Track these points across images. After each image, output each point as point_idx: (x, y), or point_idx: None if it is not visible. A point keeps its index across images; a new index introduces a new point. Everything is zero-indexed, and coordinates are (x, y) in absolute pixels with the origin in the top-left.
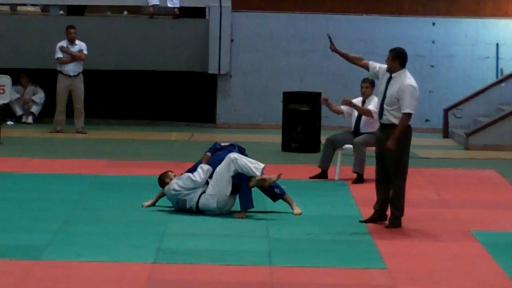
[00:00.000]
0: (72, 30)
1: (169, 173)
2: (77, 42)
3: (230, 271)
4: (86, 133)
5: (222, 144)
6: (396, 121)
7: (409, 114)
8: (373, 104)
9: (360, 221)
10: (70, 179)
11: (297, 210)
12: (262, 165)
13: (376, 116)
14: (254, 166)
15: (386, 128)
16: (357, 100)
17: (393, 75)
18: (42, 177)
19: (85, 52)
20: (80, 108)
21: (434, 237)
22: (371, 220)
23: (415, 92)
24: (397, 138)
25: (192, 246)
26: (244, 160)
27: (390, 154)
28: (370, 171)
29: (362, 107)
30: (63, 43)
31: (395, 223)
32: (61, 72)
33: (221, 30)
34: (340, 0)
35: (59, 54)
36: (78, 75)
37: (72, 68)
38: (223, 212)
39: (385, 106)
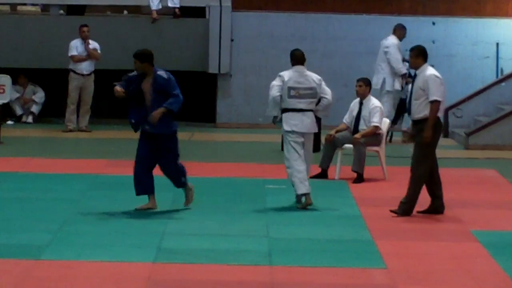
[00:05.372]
0: (85, 29)
1: None
2: (90, 41)
3: (230, 271)
4: (90, 131)
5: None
6: (425, 114)
7: (437, 102)
8: (376, 116)
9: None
10: (70, 179)
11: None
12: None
13: (382, 128)
14: None
15: (417, 123)
16: (354, 102)
17: (417, 71)
18: (42, 177)
19: (99, 51)
20: (87, 107)
21: (434, 237)
22: (427, 211)
23: (439, 80)
24: (431, 127)
25: (192, 246)
26: None
27: (416, 145)
28: (370, 170)
29: (369, 131)
30: (77, 41)
31: (401, 208)
32: (73, 70)
33: (221, 30)
34: (340, 0)
35: (73, 52)
36: (90, 74)
37: (85, 67)
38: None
39: (413, 101)
